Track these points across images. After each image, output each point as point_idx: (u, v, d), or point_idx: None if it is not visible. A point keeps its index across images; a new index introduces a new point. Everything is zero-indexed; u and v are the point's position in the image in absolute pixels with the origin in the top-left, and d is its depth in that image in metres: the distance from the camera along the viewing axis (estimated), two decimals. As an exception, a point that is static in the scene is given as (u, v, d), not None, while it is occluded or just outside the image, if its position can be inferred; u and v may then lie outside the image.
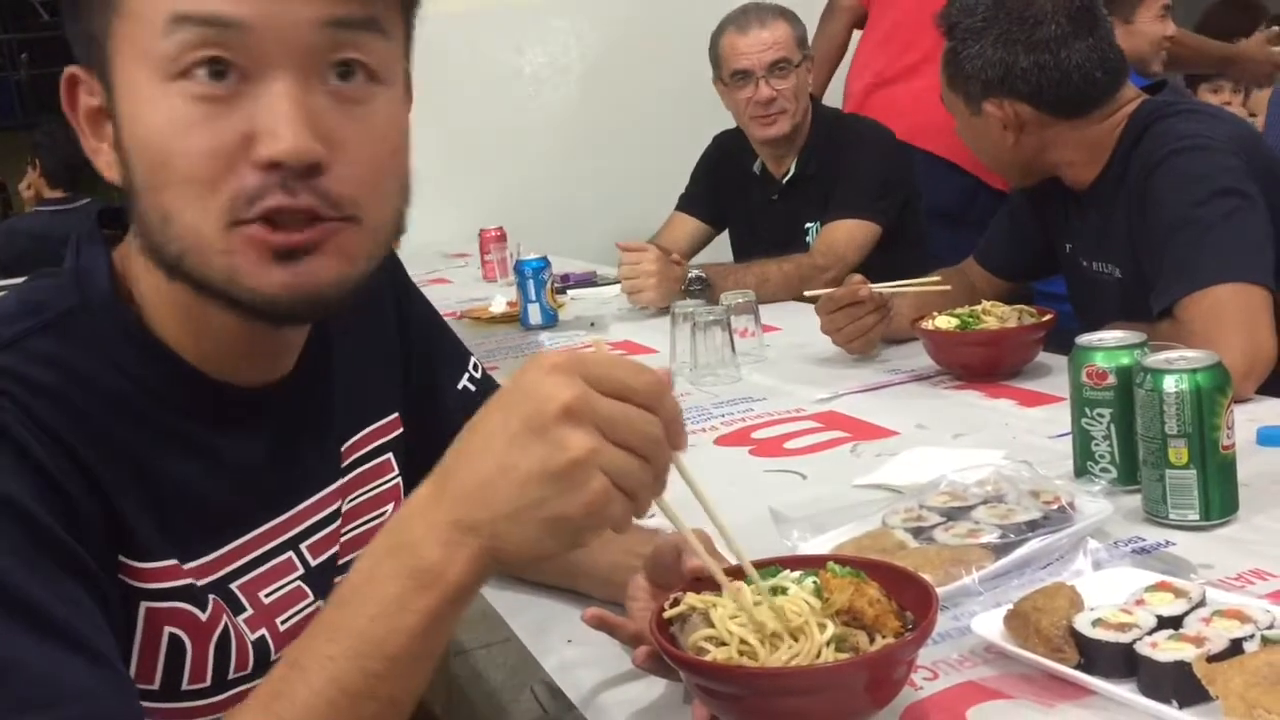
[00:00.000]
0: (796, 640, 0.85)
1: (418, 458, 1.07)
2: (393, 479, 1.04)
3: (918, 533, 1.15)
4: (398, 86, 0.83)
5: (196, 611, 0.83)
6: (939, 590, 1.04)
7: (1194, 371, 1.15)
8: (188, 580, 0.83)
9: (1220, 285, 1.55)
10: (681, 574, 0.94)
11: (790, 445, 1.60)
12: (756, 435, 1.65)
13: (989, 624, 0.97)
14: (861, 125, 2.82)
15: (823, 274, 2.49)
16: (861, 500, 1.30)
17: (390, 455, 1.04)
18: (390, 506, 1.04)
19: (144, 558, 0.80)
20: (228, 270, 0.77)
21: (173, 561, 0.82)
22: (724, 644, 0.86)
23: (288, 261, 0.77)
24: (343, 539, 0.98)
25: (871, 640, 0.87)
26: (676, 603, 0.90)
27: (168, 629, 0.82)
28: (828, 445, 1.58)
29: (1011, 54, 1.75)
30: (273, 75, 0.75)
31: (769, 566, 0.94)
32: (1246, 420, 1.34)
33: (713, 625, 0.87)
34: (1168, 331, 1.53)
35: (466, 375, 1.18)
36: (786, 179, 2.81)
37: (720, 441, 1.65)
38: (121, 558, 0.79)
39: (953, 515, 1.18)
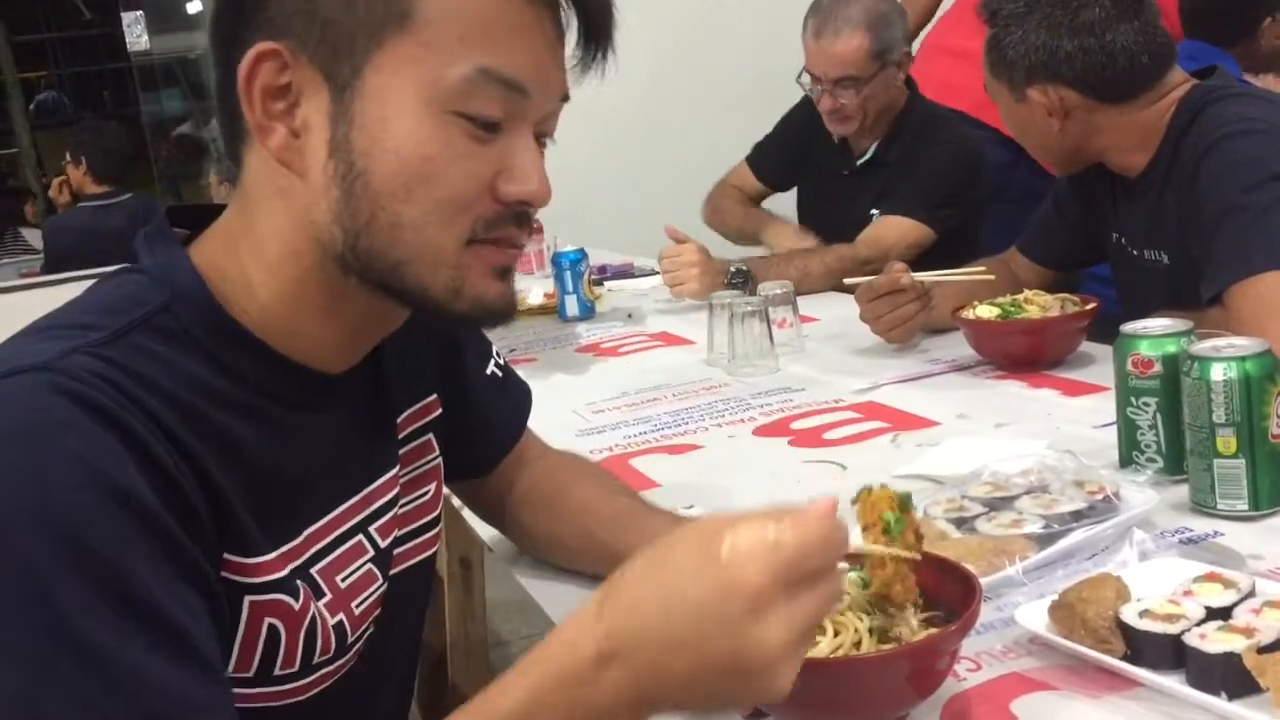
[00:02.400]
0: (838, 632, 0.85)
1: (448, 440, 1.08)
2: (434, 459, 1.06)
3: (960, 523, 1.14)
4: None
5: (291, 601, 0.85)
6: (982, 581, 1.04)
7: (1242, 359, 1.13)
8: (284, 570, 0.85)
9: (1271, 272, 1.52)
10: None
11: (830, 436, 1.59)
12: (795, 426, 1.64)
13: (1033, 615, 0.96)
14: (952, 129, 2.69)
15: (864, 267, 2.46)
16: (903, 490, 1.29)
17: (431, 435, 1.06)
18: (431, 487, 1.05)
19: (250, 553, 0.82)
20: (455, 281, 0.84)
21: (273, 554, 0.84)
22: None
23: (502, 279, 0.88)
24: (396, 514, 0.99)
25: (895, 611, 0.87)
26: None
27: (267, 620, 0.83)
28: (868, 435, 1.57)
29: (1055, 38, 1.72)
30: (522, 127, 0.85)
31: None
32: (1296, 409, 1.31)
33: None
34: (1216, 319, 1.50)
35: (492, 361, 1.22)
36: (863, 159, 2.74)
37: (759, 432, 1.64)
38: (228, 555, 0.80)
39: (995, 505, 1.16)
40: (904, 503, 0.88)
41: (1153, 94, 1.74)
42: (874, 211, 2.68)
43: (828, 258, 2.53)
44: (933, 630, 0.86)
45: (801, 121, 2.92)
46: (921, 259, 2.04)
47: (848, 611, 0.86)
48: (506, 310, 0.89)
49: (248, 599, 0.82)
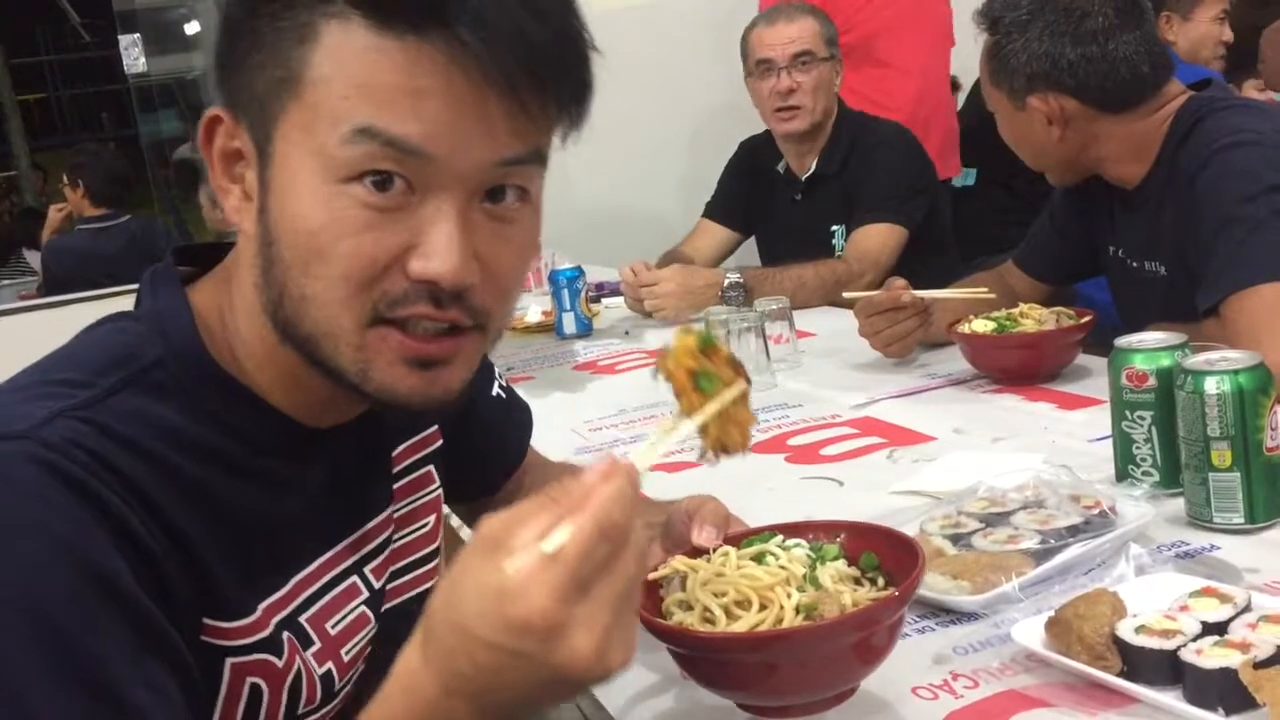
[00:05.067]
0: (764, 606, 0.87)
1: (456, 466, 1.08)
2: (434, 490, 1.06)
3: (956, 539, 1.14)
4: (540, 200, 0.85)
5: (274, 660, 0.84)
6: (979, 597, 1.04)
7: (1236, 373, 1.13)
8: (269, 626, 0.84)
9: (1267, 285, 1.52)
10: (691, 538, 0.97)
11: (826, 452, 1.59)
12: (792, 442, 1.64)
13: (1030, 631, 0.96)
14: (884, 128, 2.81)
15: (859, 279, 2.48)
16: (899, 507, 1.29)
17: (431, 467, 1.05)
18: (431, 519, 1.05)
19: (231, 616, 0.81)
20: (360, 364, 0.79)
21: (258, 610, 0.83)
22: (692, 608, 0.89)
23: (422, 369, 0.80)
24: (391, 550, 0.99)
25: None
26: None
27: (249, 679, 0.83)
28: (864, 451, 1.57)
29: (1058, 46, 1.73)
30: (439, 196, 0.77)
31: (763, 533, 0.98)
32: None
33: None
34: (1213, 331, 1.51)
35: (496, 383, 1.22)
36: (807, 177, 2.82)
37: (755, 449, 1.62)
38: (207, 620, 0.80)
39: (992, 521, 1.16)
40: (704, 345, 0.84)
41: (1152, 104, 1.74)
42: (834, 228, 2.72)
43: (821, 270, 2.57)
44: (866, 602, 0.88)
45: (744, 162, 3.02)
46: (905, 274, 2.05)
47: (776, 587, 0.87)
48: (428, 404, 0.82)
49: (229, 661, 0.81)
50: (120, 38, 5.05)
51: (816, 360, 2.09)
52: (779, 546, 0.94)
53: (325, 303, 0.78)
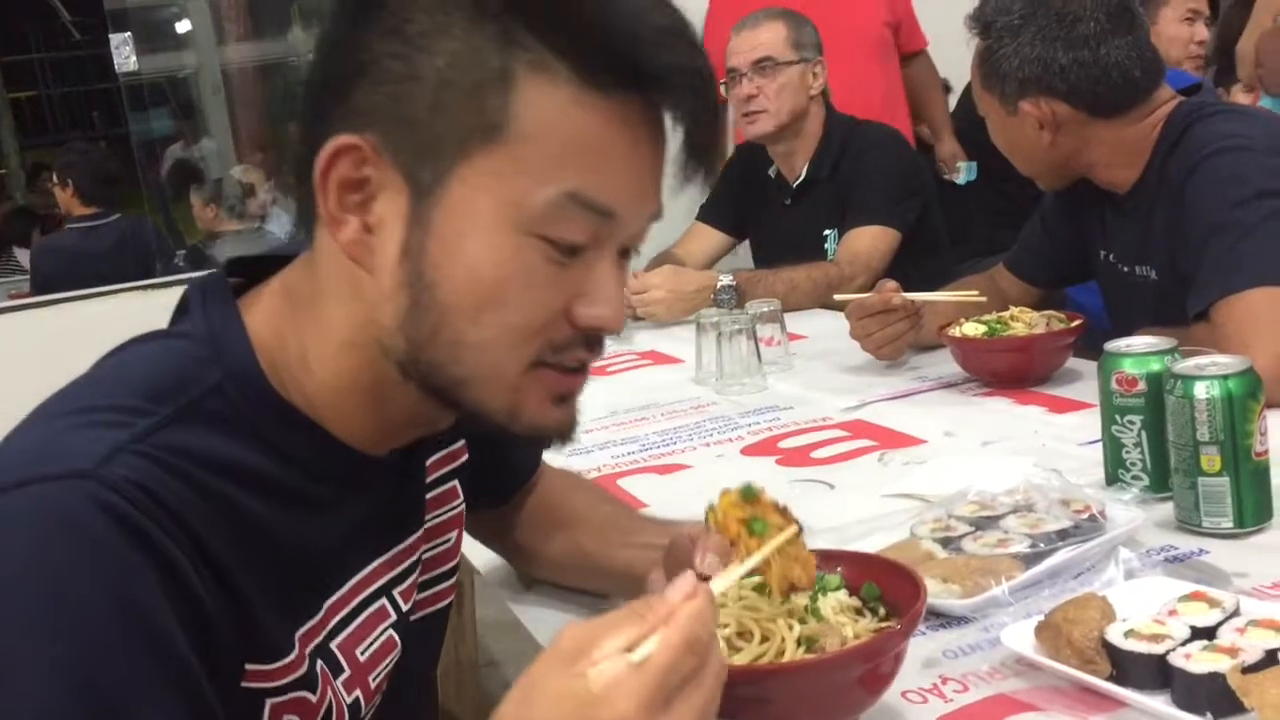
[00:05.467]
0: (765, 638, 0.86)
1: (475, 476, 1.07)
2: (458, 505, 1.04)
3: (946, 543, 1.14)
4: None
5: (310, 696, 0.84)
6: (968, 601, 1.04)
7: (1225, 377, 1.13)
8: (305, 661, 0.83)
9: (1257, 289, 1.52)
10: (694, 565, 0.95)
11: (817, 455, 1.59)
12: (783, 445, 1.64)
13: (1019, 636, 0.96)
14: (875, 131, 2.81)
15: (851, 282, 2.48)
16: (889, 510, 1.29)
17: (456, 482, 1.04)
18: (453, 535, 1.04)
19: (273, 658, 0.80)
20: (511, 405, 0.81)
21: (295, 644, 0.82)
22: None
23: (562, 403, 0.83)
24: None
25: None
26: None
27: (285, 716, 0.82)
28: (855, 454, 1.57)
29: (1050, 51, 1.73)
30: (608, 247, 0.80)
31: None
32: (1280, 426, 1.32)
33: None
34: (1202, 335, 1.51)
35: None
36: (799, 182, 2.81)
37: (746, 452, 1.64)
38: (249, 665, 0.79)
39: (982, 525, 1.17)
40: (747, 496, 0.87)
41: (1143, 109, 1.75)
42: (827, 232, 2.73)
43: (814, 273, 2.57)
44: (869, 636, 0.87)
45: (738, 167, 3.00)
46: (899, 277, 2.05)
47: (778, 619, 0.87)
48: (565, 432, 0.86)
49: (269, 702, 0.81)
50: (111, 36, 5.03)
51: (808, 363, 2.09)
52: None
53: (490, 348, 0.78)
